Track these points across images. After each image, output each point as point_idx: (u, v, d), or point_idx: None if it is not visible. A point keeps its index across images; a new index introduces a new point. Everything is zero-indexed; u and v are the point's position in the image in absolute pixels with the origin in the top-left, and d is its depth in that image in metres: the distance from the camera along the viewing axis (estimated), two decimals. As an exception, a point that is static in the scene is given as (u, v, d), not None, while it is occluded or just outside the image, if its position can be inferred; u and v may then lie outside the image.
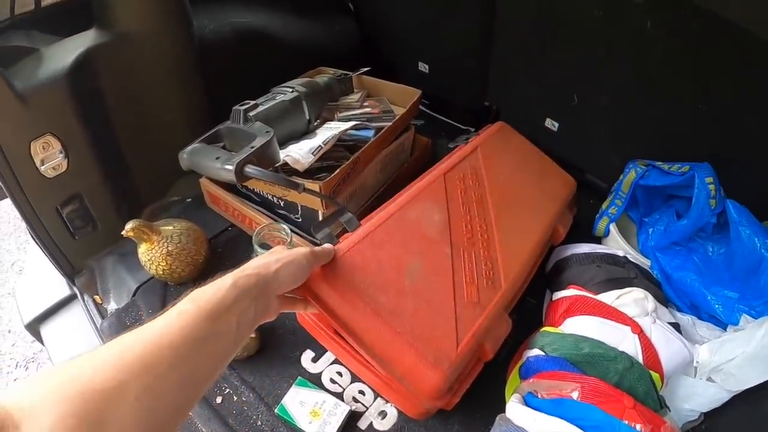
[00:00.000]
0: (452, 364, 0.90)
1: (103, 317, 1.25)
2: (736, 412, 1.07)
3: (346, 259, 0.90)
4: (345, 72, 1.47)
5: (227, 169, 0.92)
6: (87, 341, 1.23)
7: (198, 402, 0.97)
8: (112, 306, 1.27)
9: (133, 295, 1.25)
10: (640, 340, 1.07)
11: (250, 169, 0.94)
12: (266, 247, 1.10)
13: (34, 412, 0.40)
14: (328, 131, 1.23)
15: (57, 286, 1.37)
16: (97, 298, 1.31)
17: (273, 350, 1.14)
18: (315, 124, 1.30)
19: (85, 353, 0.48)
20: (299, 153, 1.13)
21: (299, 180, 1.11)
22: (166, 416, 0.48)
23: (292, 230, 1.26)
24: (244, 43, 1.46)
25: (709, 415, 1.10)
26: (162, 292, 1.24)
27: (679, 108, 1.24)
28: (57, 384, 0.43)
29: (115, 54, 1.20)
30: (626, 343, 1.07)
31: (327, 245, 0.87)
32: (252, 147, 0.97)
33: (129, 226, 1.13)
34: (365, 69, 1.53)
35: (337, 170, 1.15)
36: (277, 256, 0.72)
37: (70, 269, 1.35)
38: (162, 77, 1.32)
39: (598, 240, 1.44)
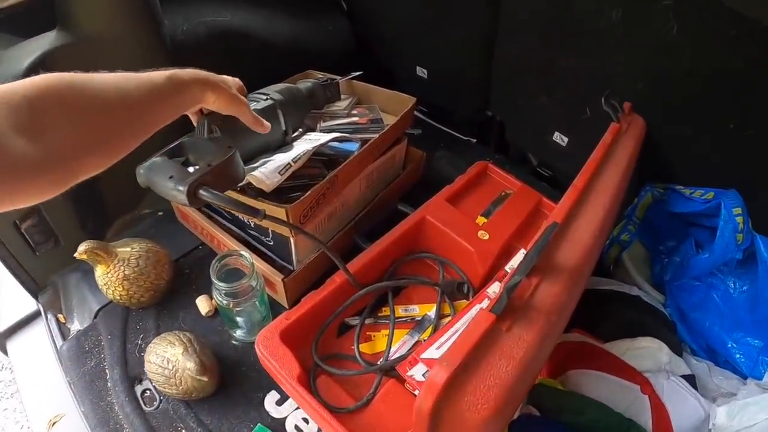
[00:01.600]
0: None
1: (65, 338, 1.14)
2: None
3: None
4: (332, 76, 1.28)
5: (179, 190, 0.75)
6: (48, 363, 1.13)
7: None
8: (75, 326, 1.15)
9: (95, 317, 1.13)
10: (651, 401, 0.91)
11: (204, 191, 0.76)
12: (229, 277, 0.95)
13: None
14: (305, 144, 1.05)
15: (27, 300, 1.27)
16: (60, 317, 1.19)
17: (234, 389, 1.00)
18: (293, 135, 1.11)
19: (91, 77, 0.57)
20: (264, 172, 0.96)
21: (263, 203, 0.93)
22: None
23: (261, 256, 1.11)
24: (223, 44, 1.28)
25: None
26: (123, 316, 1.11)
27: (706, 126, 1.04)
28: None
29: (77, 57, 1.06)
30: (635, 405, 0.91)
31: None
32: (209, 165, 0.79)
33: (82, 247, 1.00)
34: (356, 74, 1.34)
35: (309, 191, 0.96)
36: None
37: (33, 286, 1.22)
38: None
39: (606, 270, 1.24)
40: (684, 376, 0.96)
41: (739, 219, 0.98)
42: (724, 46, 0.92)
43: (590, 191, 0.86)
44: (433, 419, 0.56)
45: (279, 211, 0.94)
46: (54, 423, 1.04)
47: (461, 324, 0.93)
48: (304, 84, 1.19)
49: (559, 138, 1.29)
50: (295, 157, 0.99)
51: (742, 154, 1.03)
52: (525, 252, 0.66)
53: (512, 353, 0.58)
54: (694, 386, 0.96)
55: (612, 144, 0.97)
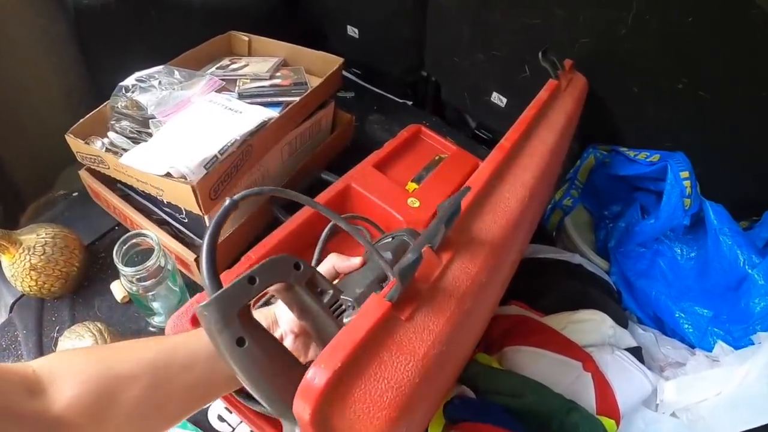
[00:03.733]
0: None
1: None
2: None
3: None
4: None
5: None
6: None
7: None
8: None
9: (10, 311, 1.00)
10: (594, 378, 0.82)
11: None
12: (142, 255, 0.83)
13: (59, 382, 0.43)
14: (226, 126, 0.89)
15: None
16: None
17: None
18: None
19: (108, 345, 0.61)
20: (189, 166, 0.81)
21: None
22: (167, 411, 0.50)
23: (178, 234, 0.97)
24: (132, 7, 1.10)
25: None
26: (38, 309, 0.97)
27: (652, 85, 0.93)
28: (82, 362, 0.46)
29: None
30: (578, 383, 0.81)
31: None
32: None
33: None
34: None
35: (216, 163, 0.81)
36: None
37: None
38: (30, 54, 1.01)
39: (549, 236, 1.12)
40: (629, 349, 0.87)
41: (687, 183, 0.89)
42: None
43: (520, 153, 0.73)
44: (319, 429, 0.42)
45: (184, 189, 0.79)
46: None
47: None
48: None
49: (498, 98, 1.16)
50: (222, 148, 0.85)
51: (690, 116, 0.93)
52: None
53: (414, 348, 0.44)
54: (641, 359, 0.87)
55: (548, 102, 0.84)
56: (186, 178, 0.81)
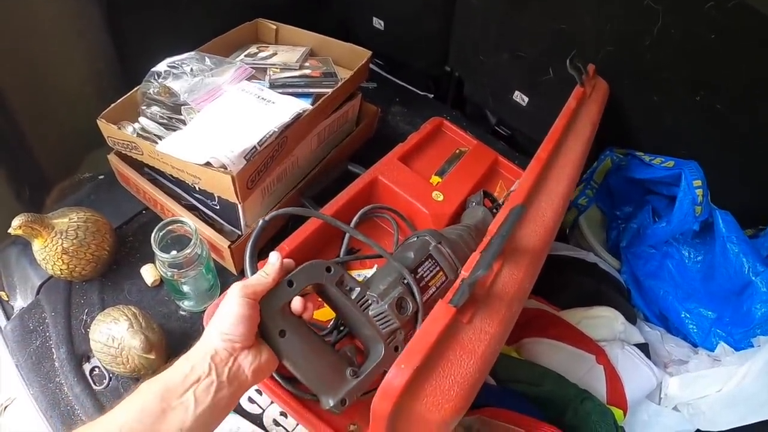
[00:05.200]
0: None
1: (8, 316, 1.05)
2: None
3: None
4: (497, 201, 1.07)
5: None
6: None
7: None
8: (18, 303, 1.07)
9: (37, 293, 1.04)
10: (606, 371, 0.91)
11: None
12: (174, 244, 0.89)
13: None
14: (262, 116, 0.96)
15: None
16: (2, 294, 1.10)
17: None
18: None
19: None
20: (230, 157, 0.88)
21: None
22: None
23: (208, 220, 1.04)
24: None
25: None
26: (66, 291, 1.02)
27: (672, 95, 1.02)
28: None
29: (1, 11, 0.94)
30: (591, 374, 0.91)
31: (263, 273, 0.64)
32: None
33: (16, 222, 0.91)
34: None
35: (255, 155, 0.88)
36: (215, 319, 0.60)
37: None
38: (60, 37, 1.05)
39: (562, 233, 1.21)
40: (637, 345, 0.97)
41: (699, 191, 0.98)
42: (698, 16, 0.89)
43: (553, 164, 0.81)
44: (390, 423, 0.51)
45: (224, 178, 0.86)
46: (6, 407, 0.99)
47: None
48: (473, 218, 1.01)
49: (520, 97, 1.24)
50: (261, 140, 0.91)
51: (706, 127, 1.02)
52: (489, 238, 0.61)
53: (474, 348, 0.54)
54: (647, 354, 0.96)
55: (576, 110, 0.92)
56: (226, 168, 0.88)
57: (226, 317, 0.58)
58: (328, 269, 0.68)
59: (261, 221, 0.70)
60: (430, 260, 0.77)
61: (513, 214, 0.61)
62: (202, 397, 0.54)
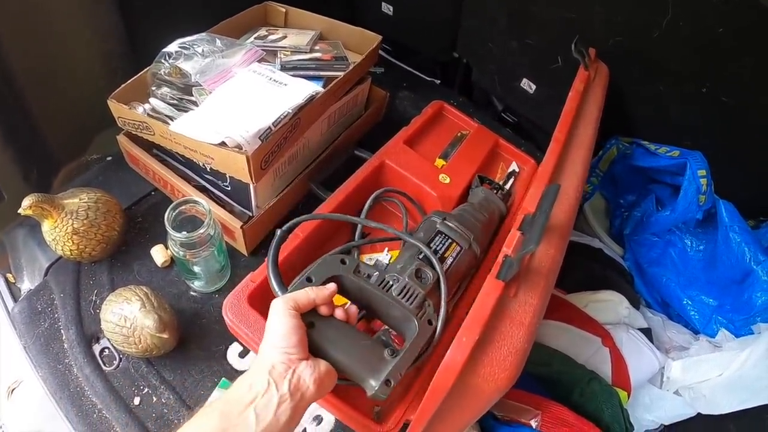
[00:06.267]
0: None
1: (15, 299, 1.07)
2: (698, 428, 1.00)
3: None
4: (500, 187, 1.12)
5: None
6: (2, 326, 1.05)
7: (115, 404, 0.89)
8: (26, 285, 1.09)
9: (45, 275, 1.07)
10: (611, 353, 0.97)
11: None
12: (185, 225, 0.91)
13: None
14: (275, 98, 1.00)
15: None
16: (10, 276, 1.12)
17: (196, 343, 0.97)
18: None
19: None
20: (245, 137, 0.91)
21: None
22: None
23: (218, 201, 1.07)
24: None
25: (670, 428, 1.03)
26: (75, 272, 1.05)
27: (679, 86, 1.07)
28: None
29: (19, 4, 0.97)
30: (597, 356, 0.97)
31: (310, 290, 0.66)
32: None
33: (26, 202, 0.92)
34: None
35: (270, 135, 0.92)
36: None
37: None
38: (70, 18, 1.07)
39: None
40: (641, 330, 1.02)
41: (703, 181, 1.03)
42: (706, 8, 0.94)
43: (570, 145, 0.86)
44: (447, 396, 0.56)
45: (238, 158, 0.89)
46: (13, 390, 0.99)
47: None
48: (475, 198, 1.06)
49: (527, 85, 1.29)
50: (275, 120, 0.95)
51: (711, 118, 1.07)
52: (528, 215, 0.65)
53: (522, 319, 0.59)
54: (650, 339, 1.02)
55: (583, 93, 0.97)
56: (240, 148, 0.91)
57: (277, 331, 0.60)
58: (343, 261, 0.72)
59: (279, 231, 0.77)
60: (440, 235, 0.83)
61: (551, 192, 0.65)
62: (263, 413, 0.55)
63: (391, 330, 0.76)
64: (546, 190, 0.66)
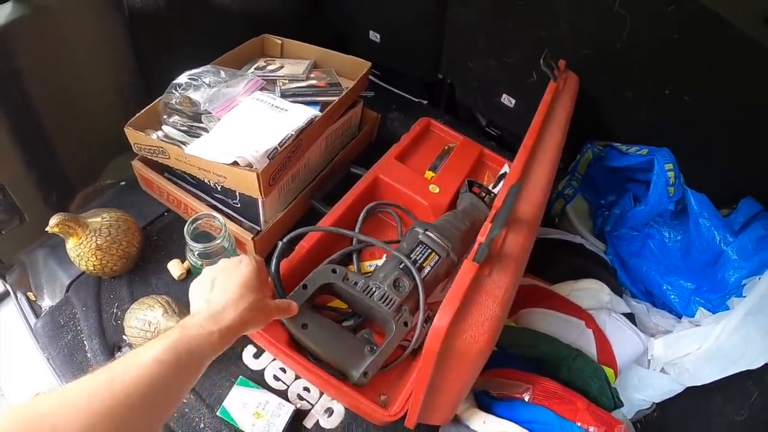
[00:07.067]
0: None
1: (37, 315, 1.17)
2: (687, 403, 1.07)
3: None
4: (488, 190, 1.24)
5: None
6: (22, 342, 1.15)
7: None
8: (46, 303, 1.18)
9: (66, 291, 1.15)
10: (595, 335, 1.06)
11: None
12: (199, 239, 1.01)
13: None
14: (278, 122, 1.13)
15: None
16: (30, 294, 1.22)
17: None
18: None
19: (59, 390, 0.51)
20: (255, 156, 1.03)
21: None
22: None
23: (229, 218, 1.18)
24: (179, 10, 1.32)
25: (661, 405, 1.10)
26: (96, 287, 1.14)
27: (643, 90, 1.19)
28: (30, 418, 0.48)
29: (34, 28, 1.07)
30: (581, 338, 1.05)
31: (286, 302, 0.84)
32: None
33: (53, 221, 1.02)
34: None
35: (277, 154, 1.04)
36: (246, 304, 0.73)
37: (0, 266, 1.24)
38: (87, 52, 1.19)
39: (552, 221, 1.38)
40: (624, 314, 1.11)
41: (671, 174, 1.14)
42: (661, 19, 1.06)
43: (537, 149, 0.98)
44: (439, 359, 0.68)
45: (249, 176, 1.01)
46: None
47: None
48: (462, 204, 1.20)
49: (507, 100, 1.42)
50: (281, 141, 1.07)
51: (676, 118, 1.18)
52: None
53: (495, 293, 0.71)
54: (634, 323, 1.11)
55: (552, 104, 1.09)
56: (251, 167, 1.03)
57: (253, 320, 0.75)
58: (334, 270, 0.94)
59: (280, 243, 0.94)
60: (421, 245, 0.99)
61: (513, 190, 0.78)
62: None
63: (376, 328, 0.96)
64: (510, 189, 0.79)
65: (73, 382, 0.52)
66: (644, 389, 1.08)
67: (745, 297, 1.05)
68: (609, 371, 1.02)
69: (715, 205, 1.14)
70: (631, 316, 1.13)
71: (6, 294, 1.25)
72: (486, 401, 0.95)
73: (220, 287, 0.75)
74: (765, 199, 1.15)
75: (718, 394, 1.02)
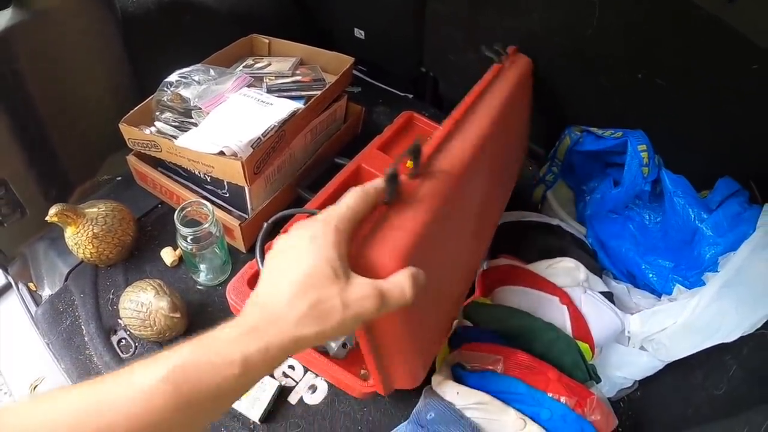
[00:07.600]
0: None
1: (37, 305, 1.24)
2: (669, 380, 1.09)
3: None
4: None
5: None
6: (23, 331, 1.21)
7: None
8: (46, 292, 1.26)
9: (65, 280, 1.24)
10: (569, 310, 1.08)
11: None
12: (190, 224, 1.08)
13: None
14: (263, 115, 1.20)
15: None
16: (31, 285, 1.29)
17: (203, 329, 1.08)
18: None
19: (40, 403, 0.43)
20: (239, 145, 1.10)
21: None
22: None
23: (221, 206, 1.26)
24: (170, 13, 1.40)
25: (643, 383, 1.12)
26: (93, 275, 1.22)
27: (617, 76, 1.22)
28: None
29: (34, 32, 1.14)
30: (555, 313, 1.08)
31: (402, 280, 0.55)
32: None
33: (52, 210, 1.10)
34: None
35: (260, 144, 1.10)
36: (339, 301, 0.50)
37: (2, 258, 1.32)
38: (84, 54, 1.27)
39: (535, 207, 1.42)
40: (602, 293, 1.14)
41: (644, 154, 1.17)
42: (629, 3, 1.10)
43: (471, 117, 1.00)
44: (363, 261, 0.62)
45: (235, 164, 1.08)
46: (35, 387, 1.13)
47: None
48: None
49: (488, 91, 1.46)
50: (264, 132, 1.15)
51: (650, 101, 1.21)
52: None
53: (405, 225, 0.67)
54: (612, 302, 1.14)
55: (492, 80, 1.13)
56: (236, 155, 1.10)
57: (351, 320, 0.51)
58: None
59: (265, 224, 1.00)
60: None
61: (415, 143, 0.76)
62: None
63: None
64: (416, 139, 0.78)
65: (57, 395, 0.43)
66: (624, 367, 1.10)
67: (719, 272, 1.07)
68: (584, 346, 1.04)
69: (696, 188, 1.16)
70: (609, 295, 1.15)
71: (8, 286, 1.31)
72: (460, 374, 0.98)
73: (278, 275, 0.52)
74: (743, 179, 1.17)
75: (698, 370, 1.04)
